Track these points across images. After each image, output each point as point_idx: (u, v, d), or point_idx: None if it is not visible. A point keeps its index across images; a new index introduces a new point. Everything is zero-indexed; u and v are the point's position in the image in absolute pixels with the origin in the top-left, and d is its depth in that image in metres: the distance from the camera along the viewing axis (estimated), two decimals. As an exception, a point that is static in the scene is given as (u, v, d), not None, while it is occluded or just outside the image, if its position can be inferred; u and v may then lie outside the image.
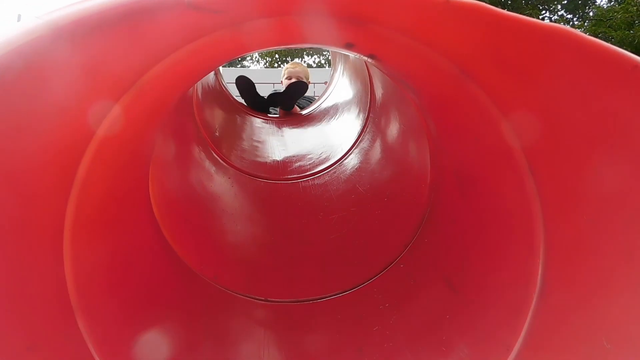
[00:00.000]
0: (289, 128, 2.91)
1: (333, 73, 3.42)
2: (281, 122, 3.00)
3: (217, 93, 2.85)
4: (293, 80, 3.34)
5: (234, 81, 3.24)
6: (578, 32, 0.74)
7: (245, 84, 3.10)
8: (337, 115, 2.74)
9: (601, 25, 11.27)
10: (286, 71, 3.49)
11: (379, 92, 2.13)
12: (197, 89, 2.16)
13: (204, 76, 1.77)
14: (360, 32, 0.93)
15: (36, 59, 0.68)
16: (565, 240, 0.87)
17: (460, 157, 1.32)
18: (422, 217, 1.57)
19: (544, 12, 14.51)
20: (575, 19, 14.44)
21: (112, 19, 0.72)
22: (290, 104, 3.12)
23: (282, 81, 3.47)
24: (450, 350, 1.11)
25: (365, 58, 1.19)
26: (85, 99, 0.85)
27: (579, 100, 0.78)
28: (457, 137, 1.28)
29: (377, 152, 2.10)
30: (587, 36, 0.73)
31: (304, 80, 3.41)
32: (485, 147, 1.07)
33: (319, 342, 1.39)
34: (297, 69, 3.53)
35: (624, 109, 0.69)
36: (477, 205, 1.24)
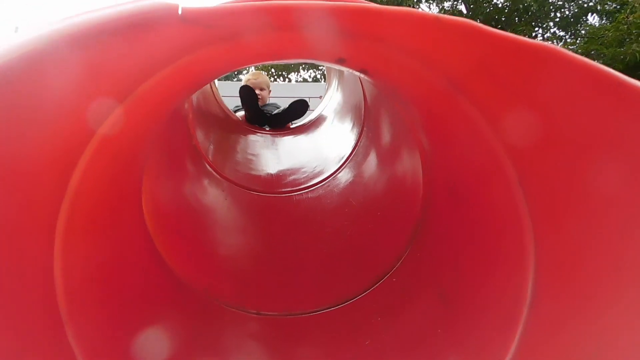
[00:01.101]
0: (284, 142, 2.93)
1: (328, 87, 3.45)
2: (276, 136, 3.02)
3: (212, 106, 2.87)
4: (257, 91, 3.31)
5: (231, 94, 3.27)
6: (565, 50, 0.76)
7: (247, 94, 3.11)
8: (331, 129, 2.76)
9: (593, 42, 11.44)
10: (247, 82, 3.47)
11: (372, 106, 2.15)
12: (192, 102, 2.17)
13: (200, 89, 1.78)
14: (351, 47, 0.94)
15: (38, 65, 0.69)
16: (555, 251, 0.88)
17: (451, 170, 1.33)
18: (414, 230, 1.58)
19: (537, 29, 14.72)
20: (567, 36, 14.66)
21: (109, 31, 0.73)
22: (285, 124, 3.14)
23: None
24: (443, 363, 1.11)
25: (358, 73, 1.20)
26: (80, 108, 0.86)
27: (567, 115, 0.80)
28: (448, 151, 1.29)
29: (370, 166, 2.11)
30: (573, 54, 0.75)
31: (267, 89, 3.46)
32: (475, 160, 1.08)
33: (311, 355, 1.38)
34: (258, 79, 3.54)
35: (610, 123, 0.71)
36: (468, 217, 1.25)
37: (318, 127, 2.93)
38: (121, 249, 1.27)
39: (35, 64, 0.69)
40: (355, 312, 1.53)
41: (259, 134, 3.01)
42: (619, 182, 0.72)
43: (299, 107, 3.13)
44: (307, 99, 3.34)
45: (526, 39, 0.78)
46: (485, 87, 0.91)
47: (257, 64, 1.41)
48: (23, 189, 0.80)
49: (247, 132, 3.00)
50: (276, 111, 3.21)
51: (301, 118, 3.30)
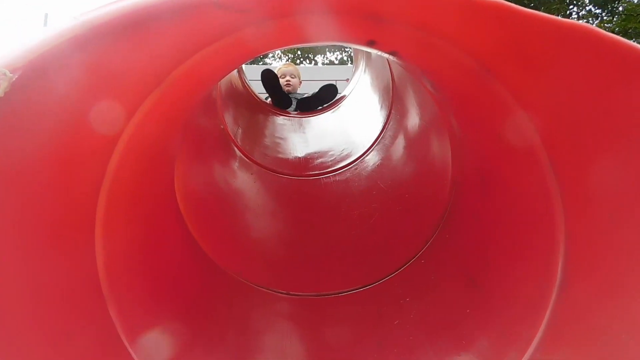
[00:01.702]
0: (311, 124, 2.93)
1: (355, 70, 3.43)
2: (303, 118, 3.02)
3: (240, 90, 2.89)
4: (287, 78, 3.53)
5: (258, 77, 3.30)
6: (600, 29, 0.75)
7: (269, 77, 3.17)
8: (359, 112, 2.75)
9: (631, 20, 10.96)
10: (279, 71, 3.64)
11: (400, 89, 2.14)
12: (220, 87, 2.19)
13: (228, 74, 1.80)
14: (381, 30, 0.94)
15: (70, 58, 0.72)
16: (586, 234, 0.87)
17: (481, 154, 1.32)
18: (443, 213, 1.58)
19: (571, 7, 14.18)
20: (604, 14, 14.09)
21: (141, 19, 0.75)
22: (314, 108, 3.17)
23: None
24: (470, 344, 1.12)
25: (387, 55, 1.20)
26: (113, 99, 0.89)
27: (600, 96, 0.79)
28: (478, 134, 1.28)
29: (398, 149, 2.10)
30: (610, 34, 0.73)
31: (297, 78, 3.62)
32: (506, 143, 1.07)
33: (340, 335, 1.41)
34: (289, 68, 3.72)
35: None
36: (498, 201, 1.24)
37: (345, 108, 2.93)
38: (157, 233, 1.31)
39: (75, 52, 0.72)
40: (383, 293, 1.55)
41: (286, 117, 3.02)
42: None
43: (329, 91, 3.15)
44: (334, 82, 3.33)
45: (560, 18, 0.77)
46: (518, 68, 0.90)
47: (287, 47, 1.42)
48: (64, 179, 0.84)
49: (274, 116, 3.02)
50: (305, 95, 3.25)
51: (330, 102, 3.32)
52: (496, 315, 1.11)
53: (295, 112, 3.11)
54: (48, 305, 0.79)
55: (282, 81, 3.51)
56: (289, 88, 3.53)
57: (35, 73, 0.67)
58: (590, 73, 0.78)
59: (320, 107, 3.17)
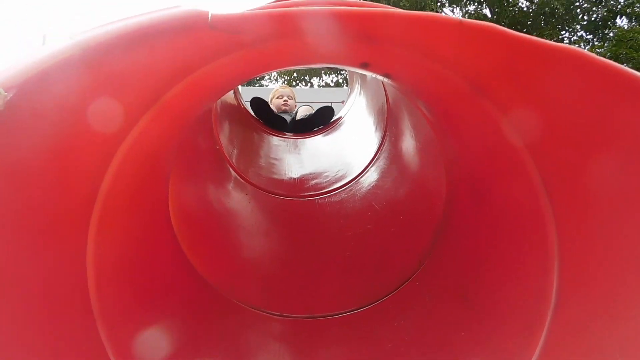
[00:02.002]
0: (306, 146, 2.95)
1: (350, 92, 3.46)
2: (298, 140, 3.04)
3: (236, 111, 2.91)
4: (285, 99, 3.61)
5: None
6: (592, 54, 0.77)
7: (259, 104, 3.18)
8: (354, 133, 2.77)
9: (622, 45, 11.16)
10: (277, 92, 3.77)
11: (395, 110, 2.16)
12: (216, 107, 2.21)
13: (223, 95, 1.82)
14: (375, 52, 0.96)
15: (66, 76, 0.72)
16: (579, 250, 0.87)
17: (474, 171, 1.33)
18: (437, 232, 1.57)
19: (563, 32, 14.44)
20: (595, 40, 14.34)
21: (136, 39, 0.76)
22: (311, 129, 3.18)
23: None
24: (465, 366, 1.11)
25: (381, 77, 1.22)
26: (109, 116, 0.89)
27: (590, 116, 0.80)
28: (470, 152, 1.29)
29: (393, 170, 2.11)
30: (595, 56, 0.75)
31: (294, 100, 3.71)
32: (498, 159, 1.08)
33: (333, 357, 1.39)
34: (286, 90, 3.85)
35: (634, 123, 0.70)
36: (490, 217, 1.24)
37: (341, 130, 2.95)
38: (148, 251, 1.30)
39: (67, 72, 0.73)
40: (377, 315, 1.53)
41: (281, 138, 3.04)
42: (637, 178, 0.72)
43: (325, 113, 3.17)
44: (329, 104, 3.37)
45: (550, 42, 0.78)
46: (508, 89, 0.92)
47: (282, 69, 1.43)
48: (59, 190, 0.84)
49: (269, 136, 3.03)
50: (301, 116, 3.27)
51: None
52: (491, 335, 1.10)
53: (291, 134, 3.12)
54: (35, 316, 0.77)
55: (279, 101, 3.58)
56: (287, 108, 3.57)
57: (31, 91, 0.67)
58: (582, 94, 0.79)
59: (315, 129, 3.19)
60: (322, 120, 3.17)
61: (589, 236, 0.85)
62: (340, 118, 3.16)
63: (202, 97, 1.22)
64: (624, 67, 0.72)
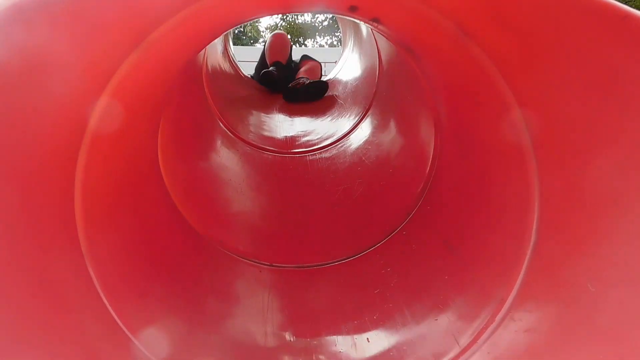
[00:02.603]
0: (298, 104, 2.93)
1: (343, 49, 3.42)
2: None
3: (227, 68, 2.88)
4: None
5: (247, 59, 3.26)
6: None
7: (268, 79, 3.08)
8: (346, 90, 2.75)
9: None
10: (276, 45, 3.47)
11: (387, 66, 2.14)
12: (206, 62, 2.18)
13: (208, 43, 1.75)
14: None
15: (35, 23, 0.71)
16: (559, 190, 0.89)
17: (461, 120, 1.33)
18: (425, 184, 1.59)
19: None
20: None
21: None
22: (297, 100, 3.00)
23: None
24: (447, 307, 1.14)
25: (369, 23, 1.20)
26: (89, 61, 0.88)
27: (576, 55, 0.80)
28: (458, 100, 1.29)
29: (383, 125, 2.12)
30: None
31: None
32: (484, 107, 1.08)
33: (320, 302, 1.43)
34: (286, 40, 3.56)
35: (616, 59, 0.71)
36: (476, 166, 1.26)
37: (334, 88, 2.92)
38: (137, 195, 1.31)
39: (46, 15, 0.72)
40: (364, 264, 1.57)
41: (274, 97, 3.01)
42: (618, 120, 0.73)
43: (319, 88, 2.95)
44: (323, 64, 3.31)
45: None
46: (494, 30, 0.91)
47: (269, 15, 1.41)
48: (42, 138, 0.84)
49: (262, 95, 3.01)
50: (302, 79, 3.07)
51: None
52: (472, 278, 1.14)
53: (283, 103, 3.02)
54: (24, 256, 0.78)
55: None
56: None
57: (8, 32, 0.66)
58: (566, 32, 0.79)
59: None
60: (315, 95, 2.98)
61: (568, 174, 0.86)
62: (332, 76, 3.13)
63: (185, 42, 1.20)
64: (616, 3, 0.71)
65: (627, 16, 0.65)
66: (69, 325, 0.85)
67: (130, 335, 1.00)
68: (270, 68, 3.14)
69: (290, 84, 2.95)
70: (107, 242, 1.08)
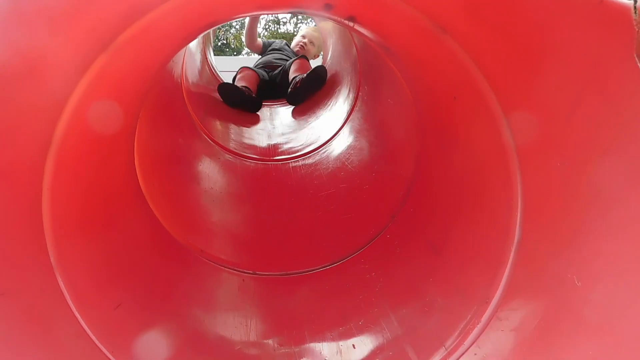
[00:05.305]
0: (280, 112, 2.90)
1: (324, 55, 3.42)
2: (272, 107, 2.97)
3: (208, 77, 2.85)
4: (306, 40, 3.36)
5: (228, 69, 3.20)
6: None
7: (227, 90, 2.75)
8: (327, 97, 2.73)
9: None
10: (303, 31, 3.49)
11: (367, 69, 2.13)
12: (185, 72, 2.15)
13: (184, 45, 1.68)
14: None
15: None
16: (541, 187, 0.88)
17: (442, 120, 1.32)
18: (408, 187, 1.58)
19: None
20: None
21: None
22: (303, 98, 2.84)
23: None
24: (432, 309, 1.12)
25: (346, 23, 1.19)
26: (66, 51, 0.85)
27: (554, 46, 0.78)
28: (438, 99, 1.28)
29: (366, 130, 2.10)
30: None
31: (316, 47, 3.41)
32: (463, 103, 1.07)
33: (305, 309, 1.40)
34: (315, 34, 3.50)
35: (595, 46, 0.69)
36: (457, 165, 1.24)
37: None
38: (112, 207, 1.27)
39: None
40: (349, 270, 1.54)
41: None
42: (599, 112, 0.71)
43: (317, 77, 2.81)
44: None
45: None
46: (470, 24, 0.90)
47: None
48: (10, 133, 0.80)
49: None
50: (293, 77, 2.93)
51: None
52: (457, 278, 1.11)
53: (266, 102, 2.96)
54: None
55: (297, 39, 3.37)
56: (299, 49, 3.40)
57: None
58: (542, 22, 0.78)
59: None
60: (316, 87, 2.82)
61: (549, 171, 0.85)
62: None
63: (160, 41, 1.17)
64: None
65: (602, 1, 0.64)
66: (36, 335, 0.81)
67: (103, 349, 0.96)
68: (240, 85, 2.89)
69: (290, 88, 2.86)
70: (79, 252, 1.04)
